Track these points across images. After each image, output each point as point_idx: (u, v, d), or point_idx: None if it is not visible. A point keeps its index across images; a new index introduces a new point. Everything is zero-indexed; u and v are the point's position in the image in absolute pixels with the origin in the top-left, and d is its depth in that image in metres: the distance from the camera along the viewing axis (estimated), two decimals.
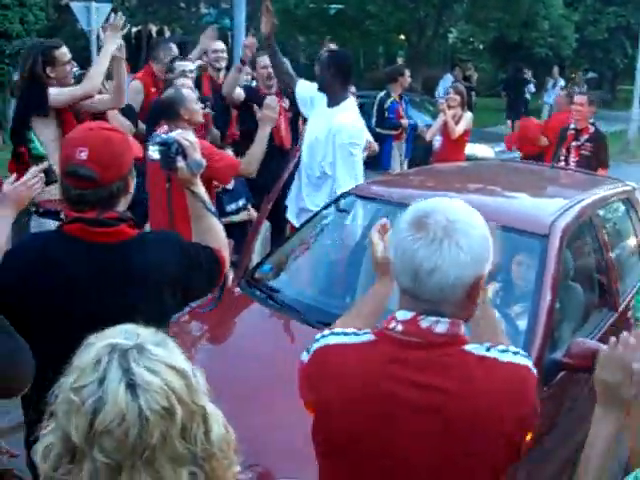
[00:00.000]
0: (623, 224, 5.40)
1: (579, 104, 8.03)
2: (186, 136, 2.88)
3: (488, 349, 1.91)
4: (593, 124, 8.12)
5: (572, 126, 8.11)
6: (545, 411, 3.47)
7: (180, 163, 2.80)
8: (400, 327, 1.88)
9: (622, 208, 5.36)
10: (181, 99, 4.96)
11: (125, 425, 1.27)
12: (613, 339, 1.95)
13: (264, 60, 6.68)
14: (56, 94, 4.88)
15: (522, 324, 3.73)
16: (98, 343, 1.37)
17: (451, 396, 1.84)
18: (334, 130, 5.35)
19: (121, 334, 1.39)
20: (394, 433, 1.87)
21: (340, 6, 24.96)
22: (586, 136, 7.93)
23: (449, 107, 9.02)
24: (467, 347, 1.90)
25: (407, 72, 9.75)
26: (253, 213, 5.83)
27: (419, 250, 1.81)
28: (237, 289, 4.35)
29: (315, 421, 1.97)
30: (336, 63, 5.53)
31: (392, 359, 1.88)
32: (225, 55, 7.22)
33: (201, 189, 2.89)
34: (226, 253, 2.89)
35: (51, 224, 4.79)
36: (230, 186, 5.84)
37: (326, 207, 4.82)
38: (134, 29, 34.14)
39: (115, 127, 2.89)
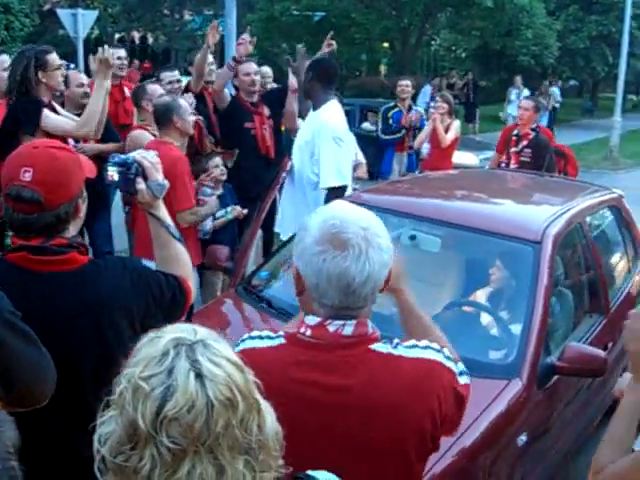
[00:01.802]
0: (611, 230, 5.50)
1: (524, 108, 8.04)
2: (147, 156, 2.65)
3: (395, 346, 1.95)
4: (534, 130, 8.10)
5: (515, 132, 8.13)
6: (540, 413, 3.58)
7: (140, 185, 2.57)
8: (309, 332, 1.93)
9: (610, 215, 5.45)
10: (176, 107, 4.93)
11: (194, 412, 1.32)
12: (633, 311, 2.04)
13: (247, 68, 6.65)
14: (51, 121, 4.85)
15: (516, 329, 3.79)
16: (163, 337, 1.42)
17: (353, 395, 1.89)
18: (317, 127, 5.45)
19: (182, 330, 1.44)
20: (301, 433, 1.86)
21: (324, 13, 25.07)
22: (525, 142, 7.91)
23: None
24: (373, 346, 1.93)
25: (402, 82, 9.63)
26: (239, 209, 5.89)
27: (350, 266, 1.83)
28: (234, 295, 4.40)
29: None
30: (316, 69, 5.62)
31: (299, 361, 1.92)
32: (214, 67, 7.22)
33: (164, 212, 2.68)
34: (192, 282, 2.67)
35: None
36: (219, 192, 5.89)
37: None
38: (117, 35, 34.15)
39: (64, 145, 2.68)
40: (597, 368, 3.61)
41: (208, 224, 5.47)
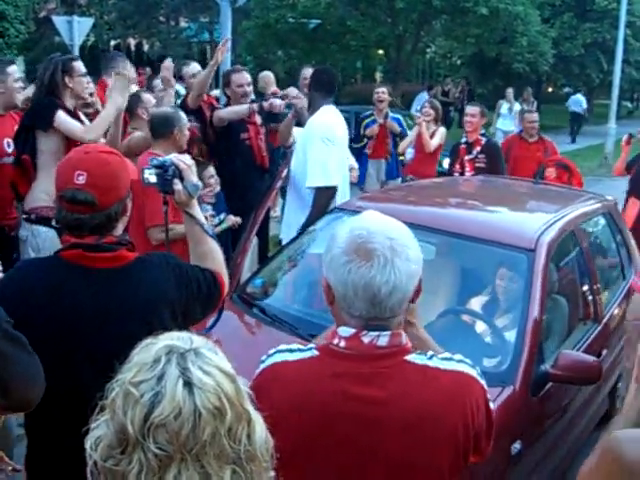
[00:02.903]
0: (605, 237, 5.51)
1: (471, 115, 8.02)
2: (183, 158, 2.86)
3: (430, 357, 1.94)
4: (484, 135, 8.11)
5: (463, 140, 8.12)
6: (534, 421, 3.58)
7: (177, 186, 2.77)
8: (343, 343, 1.92)
9: (603, 222, 5.47)
10: (177, 119, 4.90)
11: (180, 420, 1.34)
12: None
13: (239, 79, 6.63)
14: (63, 122, 4.91)
15: (510, 337, 3.80)
16: (157, 344, 1.45)
17: (389, 407, 1.88)
18: (308, 131, 5.54)
19: (176, 338, 1.47)
20: (335, 444, 1.90)
21: (319, 21, 25.11)
22: (478, 148, 7.88)
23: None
24: (408, 357, 1.93)
25: (379, 89, 9.62)
26: (234, 218, 5.89)
27: (376, 277, 1.83)
28: (229, 303, 4.40)
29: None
30: (316, 77, 5.77)
31: (335, 373, 1.91)
32: None
33: (198, 212, 2.86)
34: (225, 276, 2.83)
35: (43, 231, 4.85)
36: (212, 200, 5.91)
37: (315, 222, 4.89)
38: (113, 42, 34.20)
39: (112, 150, 2.84)
40: (591, 376, 3.62)
41: None
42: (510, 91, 18.11)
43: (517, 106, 17.14)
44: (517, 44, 24.00)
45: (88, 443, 1.41)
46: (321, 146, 5.40)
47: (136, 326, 2.43)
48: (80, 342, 2.43)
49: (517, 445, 3.36)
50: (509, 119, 16.94)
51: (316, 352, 1.96)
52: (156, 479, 1.36)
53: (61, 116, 4.90)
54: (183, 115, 5.06)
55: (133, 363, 1.43)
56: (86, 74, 5.27)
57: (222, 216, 5.70)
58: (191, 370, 1.38)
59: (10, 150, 5.31)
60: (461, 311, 4.20)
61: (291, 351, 2.00)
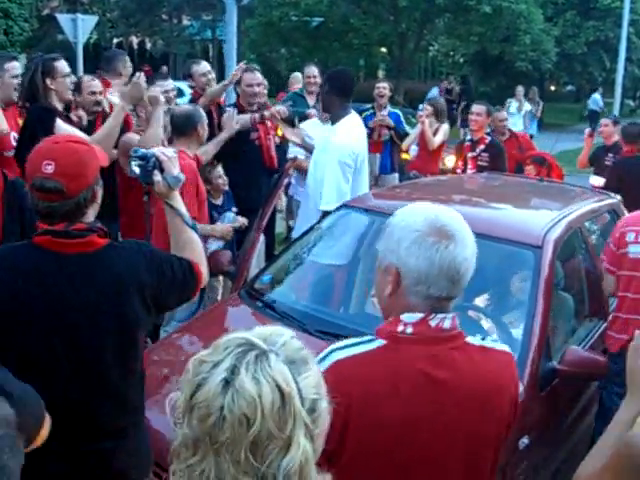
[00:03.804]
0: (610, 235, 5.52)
1: (477, 114, 8.04)
2: (165, 151, 2.95)
3: (483, 338, 2.13)
4: (489, 134, 8.14)
5: (468, 137, 8.17)
6: (541, 416, 3.60)
7: (157, 177, 2.86)
8: (410, 329, 2.00)
9: (609, 219, 5.48)
10: (199, 116, 5.11)
11: (207, 411, 1.37)
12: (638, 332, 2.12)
13: (250, 79, 6.65)
14: (63, 132, 4.85)
15: (517, 333, 3.82)
16: (246, 333, 1.45)
17: (463, 385, 2.01)
18: (329, 147, 5.48)
19: (268, 335, 1.46)
20: (418, 427, 2.00)
21: (322, 19, 25.14)
22: (482, 146, 7.92)
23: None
24: (467, 339, 2.07)
25: (380, 84, 9.67)
26: (241, 219, 5.92)
27: (458, 255, 1.96)
28: (238, 299, 4.43)
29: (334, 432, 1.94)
30: (332, 81, 5.63)
31: (410, 358, 1.99)
32: (212, 76, 7.20)
33: (179, 203, 2.94)
34: (203, 266, 2.91)
35: None
36: (219, 202, 5.94)
37: (322, 219, 4.92)
38: (115, 40, 34.25)
39: (81, 139, 2.93)
40: (597, 372, 3.65)
41: (213, 245, 5.38)
42: (520, 89, 17.51)
43: (527, 105, 16.92)
44: (520, 42, 24.00)
45: (168, 402, 1.48)
46: (339, 171, 5.38)
47: (106, 307, 2.56)
48: (55, 324, 2.53)
49: (525, 440, 3.38)
50: (518, 118, 16.26)
51: (384, 341, 2.02)
52: (188, 454, 1.40)
53: (60, 126, 4.81)
54: (202, 112, 5.22)
55: (216, 342, 1.46)
56: (70, 74, 5.20)
57: (230, 215, 5.70)
58: (239, 371, 1.37)
59: (15, 144, 5.31)
60: (468, 308, 4.22)
61: (353, 345, 2.04)
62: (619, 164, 7.76)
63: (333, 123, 5.62)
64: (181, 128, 5.09)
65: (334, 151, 5.41)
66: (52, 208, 2.54)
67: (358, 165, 5.55)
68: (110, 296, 2.57)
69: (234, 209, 5.42)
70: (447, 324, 2.01)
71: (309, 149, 6.45)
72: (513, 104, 16.66)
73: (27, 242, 2.64)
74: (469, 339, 2.07)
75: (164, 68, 21.65)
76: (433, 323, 2.00)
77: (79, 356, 2.57)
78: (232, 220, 5.70)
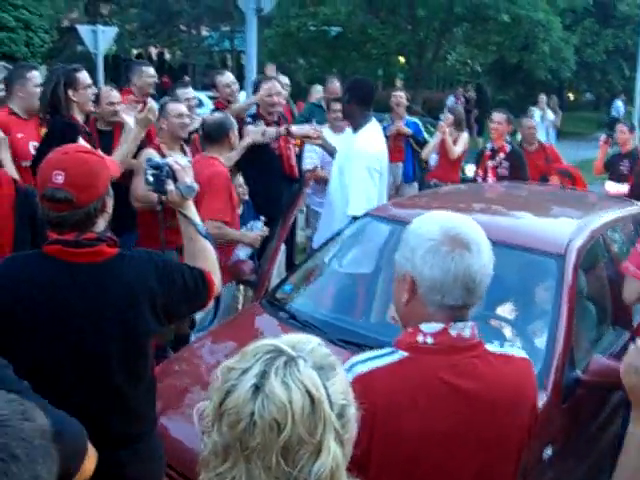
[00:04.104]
0: (634, 243, 5.48)
1: (497, 122, 8.02)
2: (178, 160, 2.98)
3: (502, 345, 2.15)
4: (510, 143, 8.11)
5: (489, 146, 8.14)
6: (565, 426, 3.58)
7: (170, 186, 2.90)
8: (430, 339, 2.00)
9: (632, 228, 5.44)
10: (231, 124, 5.25)
11: (237, 417, 1.37)
12: (632, 346, 2.12)
13: (269, 88, 6.64)
14: None
15: (540, 342, 3.80)
16: (274, 340, 1.45)
17: (485, 394, 2.01)
18: (353, 153, 5.52)
19: (296, 342, 1.46)
20: (445, 437, 1.99)
21: (340, 29, 25.18)
22: (503, 155, 7.89)
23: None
24: (487, 346, 2.08)
25: (397, 93, 9.66)
26: (264, 228, 5.95)
27: (474, 264, 1.96)
28: (259, 309, 4.43)
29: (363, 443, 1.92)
30: (353, 90, 5.75)
31: (434, 368, 1.99)
32: (236, 87, 7.23)
33: (193, 212, 2.97)
34: (216, 276, 2.91)
35: None
36: (239, 211, 5.95)
37: (344, 228, 4.92)
38: (135, 51, 34.45)
39: (91, 150, 2.95)
40: (622, 381, 3.61)
41: (242, 255, 5.36)
42: (543, 98, 16.95)
43: (550, 114, 16.37)
44: (539, 51, 23.89)
45: (196, 411, 1.48)
46: (367, 176, 5.46)
47: (116, 316, 2.57)
48: (63, 333, 2.54)
49: (549, 451, 3.36)
50: (541, 128, 14.96)
51: (405, 353, 2.01)
52: (219, 463, 1.40)
53: (81, 143, 4.77)
54: (233, 120, 5.36)
55: (244, 350, 1.46)
56: (91, 85, 5.23)
57: (260, 225, 5.65)
58: (269, 376, 1.37)
59: (34, 154, 5.34)
60: (491, 317, 4.20)
61: (374, 358, 2.03)
62: None
63: (355, 131, 5.69)
64: (213, 135, 5.21)
65: (360, 157, 5.48)
66: (62, 218, 2.56)
67: (383, 171, 5.64)
68: (119, 305, 2.59)
69: (262, 218, 5.45)
70: (467, 333, 2.02)
71: (329, 150, 6.46)
72: (536, 113, 15.80)
73: (38, 251, 2.67)
74: (488, 347, 2.08)
75: (186, 78, 21.81)
76: (453, 332, 2.00)
77: (85, 364, 2.59)
78: (260, 228, 5.71)
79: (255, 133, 6.10)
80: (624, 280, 4.29)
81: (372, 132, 5.66)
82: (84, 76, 5.09)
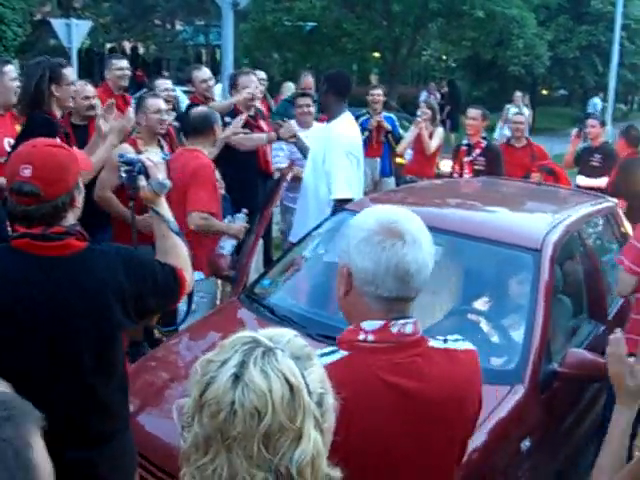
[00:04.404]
0: (607, 238, 5.55)
1: (472, 118, 8.08)
2: (151, 157, 2.99)
3: (445, 341, 2.07)
4: (485, 138, 8.16)
5: (464, 142, 8.20)
6: (543, 418, 3.62)
7: (142, 182, 2.91)
8: (371, 337, 1.94)
9: (605, 223, 5.51)
10: (216, 117, 5.31)
11: (217, 407, 1.38)
12: (612, 336, 2.15)
13: (246, 82, 6.63)
14: None
15: (517, 336, 3.83)
16: (252, 332, 1.47)
17: (430, 392, 1.96)
18: (331, 141, 5.63)
19: (272, 335, 1.47)
20: (386, 439, 1.94)
21: (315, 24, 25.15)
22: (478, 150, 7.93)
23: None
24: (430, 343, 2.02)
25: (374, 91, 9.70)
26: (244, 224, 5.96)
27: (407, 254, 1.91)
28: (238, 303, 4.43)
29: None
30: (331, 82, 5.87)
31: (374, 368, 1.93)
32: (212, 82, 7.22)
33: (165, 209, 2.97)
34: (188, 273, 2.91)
35: None
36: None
37: (322, 223, 4.92)
38: (108, 45, 34.17)
39: (60, 143, 2.94)
40: (597, 374, 3.65)
41: (228, 246, 5.31)
42: (519, 95, 16.60)
43: (526, 111, 15.56)
44: (513, 47, 24.03)
45: (175, 407, 1.49)
46: (346, 161, 5.59)
47: (85, 310, 2.57)
48: (32, 326, 2.54)
49: (527, 442, 3.39)
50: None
51: (345, 352, 1.95)
52: (200, 455, 1.40)
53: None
54: (217, 114, 5.44)
55: (223, 343, 1.46)
56: (74, 82, 5.19)
57: (243, 217, 5.62)
58: (248, 365, 1.39)
59: (10, 150, 5.28)
60: (468, 311, 4.23)
61: (319, 356, 1.99)
62: (628, 164, 7.81)
63: (329, 121, 5.82)
64: (199, 128, 5.24)
65: (339, 143, 5.60)
66: (29, 212, 2.55)
67: (359, 157, 5.78)
68: (89, 298, 2.58)
69: (245, 210, 5.45)
70: (409, 329, 1.96)
71: (302, 148, 6.46)
72: (512, 110, 15.17)
73: (5, 245, 2.66)
74: (432, 343, 2.03)
75: (165, 73, 21.73)
76: (394, 329, 1.94)
77: (57, 360, 2.58)
78: (243, 220, 5.70)
79: (235, 131, 6.11)
80: (618, 274, 4.32)
81: (347, 121, 5.79)
82: (69, 72, 5.05)
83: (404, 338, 1.96)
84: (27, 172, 2.50)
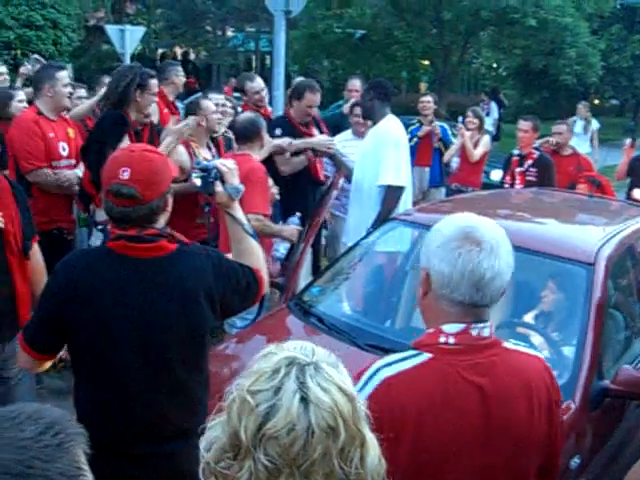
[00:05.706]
0: None
1: (524, 130, 7.98)
2: (226, 163, 3.05)
3: (516, 344, 2.20)
4: (537, 149, 8.05)
5: (516, 152, 8.10)
6: (593, 435, 3.56)
7: (218, 188, 2.97)
8: (452, 339, 2.02)
9: None
10: (263, 124, 5.39)
11: (293, 435, 1.34)
12: None
13: (312, 101, 6.63)
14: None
15: (568, 351, 3.79)
16: (278, 354, 1.44)
17: (511, 390, 2.05)
18: (378, 136, 5.91)
19: (299, 349, 1.46)
20: (468, 439, 2.01)
21: (365, 31, 25.15)
22: (530, 161, 7.84)
23: (467, 130, 9.11)
24: (504, 344, 2.12)
25: (424, 98, 9.68)
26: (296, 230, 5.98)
27: (483, 261, 1.97)
28: (286, 311, 4.44)
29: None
30: (375, 88, 6.12)
31: (459, 368, 2.01)
32: (265, 93, 7.28)
33: (239, 212, 3.04)
34: (264, 273, 3.01)
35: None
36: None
37: (371, 232, 4.92)
38: (160, 51, 34.57)
39: (155, 149, 3.07)
40: None
41: (281, 249, 5.38)
42: (583, 105, 14.50)
43: (595, 123, 14.08)
44: (565, 56, 23.73)
45: (202, 443, 1.44)
46: (394, 150, 5.81)
47: (177, 309, 2.65)
48: (127, 325, 2.62)
49: (576, 460, 3.34)
50: (584, 140, 13.03)
51: (429, 354, 2.03)
52: None
53: (126, 140, 4.97)
54: (262, 119, 5.50)
55: (253, 370, 1.43)
56: (156, 94, 5.42)
57: (296, 220, 5.62)
58: (309, 385, 1.37)
59: (65, 154, 5.40)
60: (519, 324, 4.19)
61: (400, 360, 2.06)
62: None
63: (375, 124, 6.04)
64: (246, 134, 5.29)
65: (386, 136, 5.87)
66: (126, 213, 2.64)
67: (406, 146, 6.10)
68: (181, 299, 2.67)
69: (298, 214, 5.47)
70: (486, 332, 2.04)
71: (336, 162, 6.48)
72: (578, 123, 13.28)
73: (102, 246, 2.80)
74: (505, 344, 2.12)
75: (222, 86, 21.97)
76: (474, 332, 2.03)
77: (150, 357, 2.66)
78: (298, 223, 5.71)
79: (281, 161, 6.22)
80: None
81: (392, 120, 6.04)
82: (154, 83, 5.32)
83: (483, 340, 2.03)
84: (126, 175, 2.59)
